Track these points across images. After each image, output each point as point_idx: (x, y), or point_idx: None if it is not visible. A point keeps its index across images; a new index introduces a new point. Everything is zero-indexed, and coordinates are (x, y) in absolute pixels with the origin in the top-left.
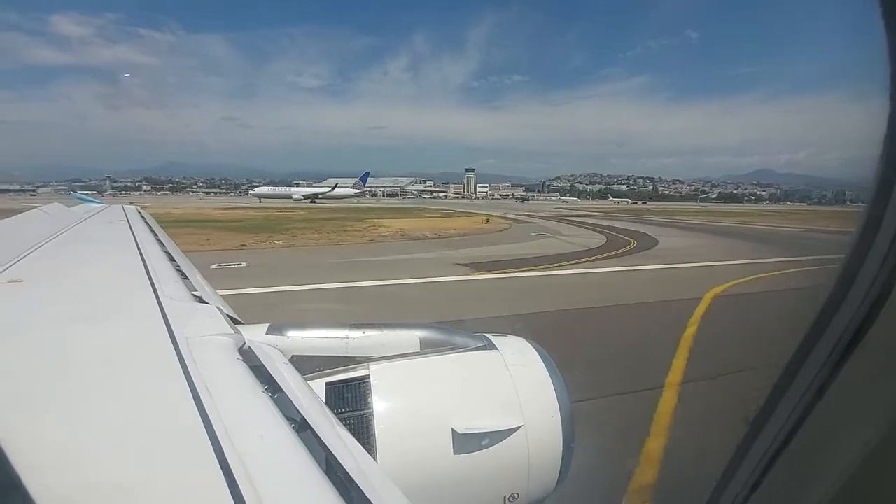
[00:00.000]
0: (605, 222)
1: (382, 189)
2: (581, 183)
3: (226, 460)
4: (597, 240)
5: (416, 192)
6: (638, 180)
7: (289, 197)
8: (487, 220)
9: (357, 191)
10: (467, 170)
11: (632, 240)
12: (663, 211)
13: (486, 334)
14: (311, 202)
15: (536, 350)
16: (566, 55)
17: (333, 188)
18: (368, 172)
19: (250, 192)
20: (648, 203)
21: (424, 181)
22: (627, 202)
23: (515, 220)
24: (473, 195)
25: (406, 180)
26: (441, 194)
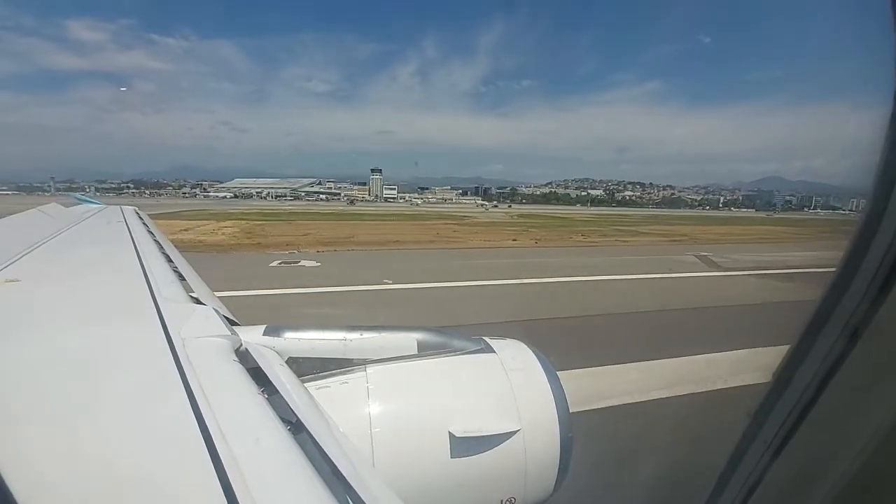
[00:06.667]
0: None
1: (273, 190)
2: (568, 188)
3: (221, 462)
4: None
5: (303, 193)
6: (628, 185)
7: None
8: None
9: None
10: (373, 170)
11: None
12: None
13: (483, 337)
14: None
15: (534, 353)
16: (577, 60)
17: None
18: None
19: None
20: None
21: (324, 182)
22: (495, 205)
23: None
24: (380, 197)
25: (305, 181)
26: (324, 196)
